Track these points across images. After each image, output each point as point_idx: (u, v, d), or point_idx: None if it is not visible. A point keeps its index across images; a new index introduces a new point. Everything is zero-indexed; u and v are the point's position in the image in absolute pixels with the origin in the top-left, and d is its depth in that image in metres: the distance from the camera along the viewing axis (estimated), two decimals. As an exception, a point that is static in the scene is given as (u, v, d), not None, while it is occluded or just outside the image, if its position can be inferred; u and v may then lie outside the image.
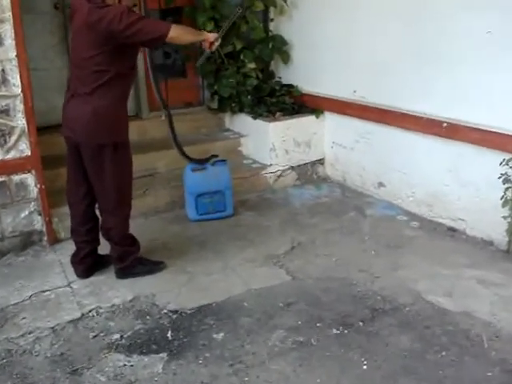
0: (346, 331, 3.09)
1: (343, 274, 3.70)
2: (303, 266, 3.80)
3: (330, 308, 3.31)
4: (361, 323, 3.16)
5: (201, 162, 4.51)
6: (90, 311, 3.38)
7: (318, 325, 3.15)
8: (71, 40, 3.49)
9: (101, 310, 3.38)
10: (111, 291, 3.57)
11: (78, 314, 3.35)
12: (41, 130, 4.79)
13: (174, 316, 3.29)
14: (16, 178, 4.06)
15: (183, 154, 4.43)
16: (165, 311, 3.34)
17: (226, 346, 2.99)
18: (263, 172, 5.22)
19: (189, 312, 3.32)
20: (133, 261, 3.70)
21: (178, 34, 3.31)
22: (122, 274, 3.71)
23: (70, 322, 3.28)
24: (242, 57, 5.47)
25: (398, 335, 3.05)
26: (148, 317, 3.30)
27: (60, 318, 3.31)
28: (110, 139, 3.40)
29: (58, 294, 3.59)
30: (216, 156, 4.59)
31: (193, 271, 3.77)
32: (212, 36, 3.57)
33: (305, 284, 3.59)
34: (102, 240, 3.76)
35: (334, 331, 3.09)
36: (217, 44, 3.57)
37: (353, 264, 3.82)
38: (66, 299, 3.52)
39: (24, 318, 3.33)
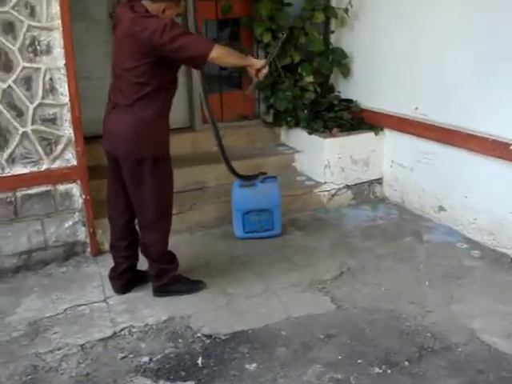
0: (389, 371, 2.84)
1: (392, 305, 3.44)
2: (350, 295, 3.56)
3: (374, 343, 3.06)
4: (406, 363, 2.90)
5: (248, 179, 4.35)
6: (122, 330, 3.27)
7: (359, 361, 2.92)
8: (113, 50, 3.40)
9: (133, 330, 3.26)
10: (146, 309, 3.45)
11: (109, 332, 3.24)
12: (91, 138, 4.79)
13: (208, 341, 3.13)
14: (61, 187, 4.03)
15: (231, 168, 4.28)
16: (198, 335, 3.18)
17: (258, 379, 2.80)
18: (317, 190, 4.99)
19: (223, 338, 3.14)
20: (171, 279, 3.56)
21: (220, 55, 3.17)
22: (160, 291, 3.58)
23: (101, 340, 3.18)
24: (299, 70, 5.28)
25: (447, 379, 2.78)
26: (180, 340, 3.15)
27: (91, 335, 3.22)
28: (149, 153, 3.28)
29: (92, 309, 3.50)
30: (264, 173, 4.43)
31: (233, 293, 3.60)
32: (258, 63, 3.39)
33: (349, 314, 3.35)
34: (141, 256, 3.64)
35: (377, 370, 2.85)
36: (264, 72, 3.37)
37: (403, 295, 3.55)
38: (100, 315, 3.42)
39: (55, 333, 3.26)
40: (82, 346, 3.13)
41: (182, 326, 3.27)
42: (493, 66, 3.94)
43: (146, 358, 3.00)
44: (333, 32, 5.45)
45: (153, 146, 3.28)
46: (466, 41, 4.14)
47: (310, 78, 5.26)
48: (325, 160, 4.95)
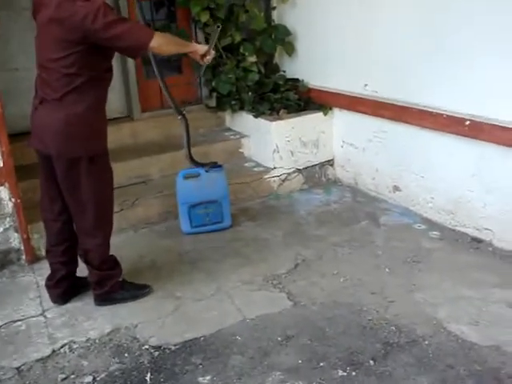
0: (353, 373, 2.64)
1: (352, 297, 3.24)
2: (307, 289, 3.35)
3: (336, 342, 2.85)
4: (371, 362, 2.70)
5: (204, 166, 4.09)
6: (62, 347, 2.97)
7: (321, 364, 2.70)
8: (36, 38, 3.03)
9: (74, 346, 2.98)
10: (88, 322, 3.16)
11: (48, 351, 2.94)
12: (22, 134, 4.44)
13: (156, 353, 2.86)
14: (-13, 191, 3.67)
15: (191, 158, 4.06)
16: (146, 347, 2.92)
17: (213, 394, 2.56)
18: (266, 176, 4.75)
19: (173, 348, 2.89)
20: (113, 285, 3.27)
21: (160, 43, 2.90)
22: (102, 300, 3.29)
23: (39, 360, 2.89)
24: (241, 50, 5.00)
25: (416, 377, 2.59)
26: (126, 354, 2.88)
27: (28, 356, 2.92)
28: (84, 152, 2.97)
29: (29, 324, 3.19)
30: (215, 163, 4.17)
31: (181, 296, 3.34)
32: (201, 48, 3.17)
33: (308, 312, 3.13)
34: (80, 261, 3.34)
35: (340, 373, 2.64)
36: (209, 57, 3.18)
37: (363, 285, 3.36)
38: (38, 331, 3.12)
39: (-13, 356, 2.93)
40: (18, 368, 2.82)
41: (128, 337, 2.99)
42: (443, 39, 3.75)
43: (89, 378, 2.72)
44: (274, 8, 5.18)
45: (87, 143, 2.97)
46: (414, 14, 3.93)
47: (252, 58, 5.00)
48: (273, 144, 4.71)
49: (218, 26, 3.30)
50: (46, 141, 2.97)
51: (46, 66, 2.91)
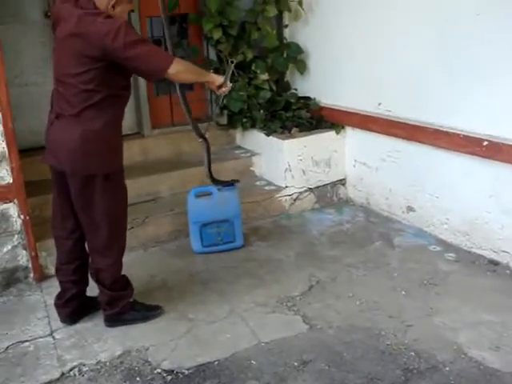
0: (374, 400, 2.55)
1: (369, 321, 3.15)
2: (322, 312, 3.26)
3: (355, 368, 2.76)
4: (392, 389, 2.62)
5: (223, 184, 4.05)
6: (71, 369, 2.89)
7: (339, 391, 2.62)
8: (54, 51, 2.99)
9: (84, 368, 2.89)
10: (98, 343, 3.08)
11: (57, 374, 2.86)
12: (32, 150, 4.41)
13: (169, 377, 2.78)
14: (-4, 208, 3.60)
15: (213, 178, 4.01)
16: (158, 370, 2.83)
17: (228, 421, 2.48)
18: (278, 195, 4.69)
19: (186, 372, 2.80)
20: (124, 306, 3.19)
21: (178, 71, 2.84)
22: (112, 321, 3.21)
23: (48, 383, 2.80)
24: (253, 67, 4.96)
25: (438, 405, 2.51)
26: (138, 378, 2.79)
27: (36, 378, 2.84)
28: (100, 169, 2.91)
29: (37, 345, 3.10)
30: (237, 181, 4.13)
31: (194, 318, 3.25)
32: (218, 79, 3.12)
33: (324, 336, 3.04)
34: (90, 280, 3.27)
35: (360, 400, 2.56)
36: (225, 89, 3.14)
37: (380, 308, 3.27)
38: (47, 353, 3.03)
39: (-5, 378, 2.85)
40: (26, 392, 2.75)
41: (140, 360, 2.91)
42: (460, 57, 3.70)
43: (99, 403, 2.65)
44: (286, 26, 5.15)
45: (103, 160, 2.92)
46: (429, 31, 3.89)
47: (264, 76, 4.96)
48: (285, 163, 4.65)
49: (232, 62, 3.25)
50: (61, 157, 2.92)
51: (64, 81, 2.86)
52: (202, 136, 3.90)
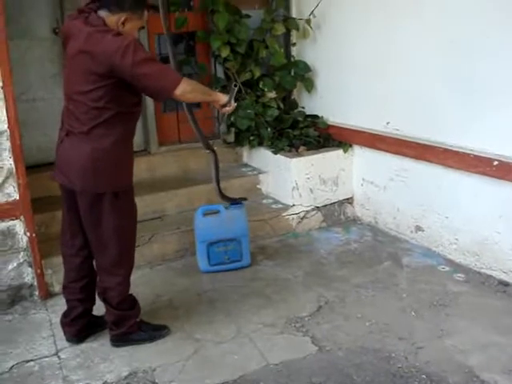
0: (385, 425, 2.50)
1: (379, 343, 3.10)
2: (331, 333, 3.22)
3: (365, 392, 2.72)
4: (404, 414, 2.57)
5: (233, 201, 4.04)
6: (77, 390, 2.84)
7: (351, 415, 2.57)
8: (64, 69, 2.99)
9: (90, 390, 2.84)
10: (104, 364, 3.03)
11: (62, 395, 2.81)
12: (39, 166, 4.40)
13: (177, 399, 2.73)
14: (2, 224, 3.57)
15: (222, 194, 4.00)
16: (165, 392, 2.79)
17: None
18: (285, 213, 4.65)
19: (194, 394, 2.76)
20: (131, 326, 3.15)
21: (185, 91, 2.81)
22: (118, 341, 3.17)
23: (53, 405, 2.76)
24: (260, 85, 4.95)
25: (452, 431, 2.46)
26: (145, 400, 2.75)
27: (41, 400, 2.79)
28: (109, 187, 2.89)
29: (42, 365, 3.06)
30: (245, 199, 4.11)
31: (201, 339, 3.21)
32: (223, 98, 3.09)
33: (334, 357, 2.99)
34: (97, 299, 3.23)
35: (371, 425, 2.51)
36: (229, 108, 3.12)
37: (390, 330, 3.23)
38: (52, 373, 2.99)
39: (-1, 398, 2.81)
40: (30, 415, 2.70)
41: (146, 382, 2.86)
42: (470, 76, 3.68)
43: (105, 425, 2.60)
44: (294, 44, 5.15)
45: (113, 178, 2.90)
46: (438, 50, 3.87)
47: (272, 94, 4.94)
48: (292, 181, 4.63)
49: (236, 85, 3.23)
50: (71, 175, 2.90)
51: (74, 98, 2.84)
52: (209, 148, 3.85)
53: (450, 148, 3.85)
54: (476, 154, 3.68)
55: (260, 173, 5.01)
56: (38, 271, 3.70)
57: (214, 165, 3.90)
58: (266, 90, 4.94)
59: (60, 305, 3.50)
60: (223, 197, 4.00)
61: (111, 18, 2.79)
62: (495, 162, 3.55)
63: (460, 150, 3.78)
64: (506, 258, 3.68)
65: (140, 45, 2.80)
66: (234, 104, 3.15)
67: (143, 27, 2.99)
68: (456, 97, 3.80)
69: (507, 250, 3.67)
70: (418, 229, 4.32)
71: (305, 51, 5.11)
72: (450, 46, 3.77)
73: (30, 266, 3.69)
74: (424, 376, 2.81)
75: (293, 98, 5.27)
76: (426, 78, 4.00)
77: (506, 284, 3.68)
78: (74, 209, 3.00)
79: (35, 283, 3.73)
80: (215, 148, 3.98)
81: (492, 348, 3.02)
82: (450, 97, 3.85)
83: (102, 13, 2.80)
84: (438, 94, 3.93)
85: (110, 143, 2.83)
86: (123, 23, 2.81)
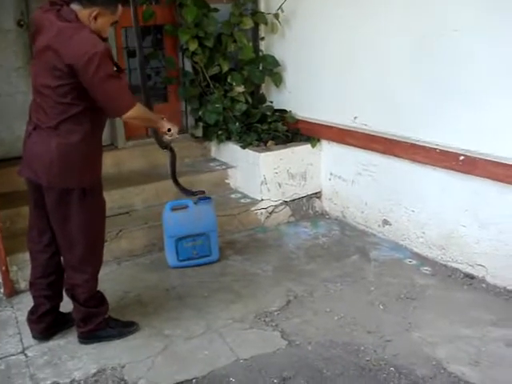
0: (355, 419, 2.52)
1: (348, 336, 3.13)
2: (301, 327, 3.23)
3: (335, 385, 2.74)
4: (373, 407, 2.59)
5: (192, 194, 3.99)
6: (44, 390, 2.79)
7: (320, 409, 2.58)
8: (32, 63, 2.92)
9: (57, 388, 2.80)
10: (72, 361, 2.99)
11: (29, 394, 2.76)
12: (3, 161, 4.32)
13: (145, 397, 2.71)
14: (-36, 222, 3.50)
15: (178, 185, 3.97)
16: (134, 389, 2.76)
17: None
18: (253, 208, 4.65)
19: (163, 391, 2.74)
20: (99, 323, 3.12)
21: (134, 116, 2.85)
22: (86, 338, 3.13)
23: (19, 405, 2.71)
24: (229, 79, 4.93)
25: (420, 424, 2.49)
26: (113, 398, 2.72)
27: (7, 399, 2.74)
28: (76, 183, 2.84)
29: (9, 363, 3.01)
30: (203, 192, 4.05)
31: (170, 334, 3.19)
32: (165, 126, 3.19)
33: (303, 352, 3.00)
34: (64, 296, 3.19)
35: (341, 420, 2.52)
36: (170, 138, 3.28)
37: (359, 323, 3.25)
38: (18, 371, 2.94)
39: (-39, 400, 2.76)
40: (-6, 415, 2.66)
41: (115, 379, 2.83)
42: (437, 72, 3.73)
43: (73, 423, 2.57)
44: (263, 39, 5.13)
45: (80, 174, 2.85)
46: (407, 46, 3.90)
47: (240, 88, 4.92)
48: (261, 175, 4.62)
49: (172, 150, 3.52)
50: (37, 170, 2.84)
51: (41, 92, 2.78)
52: (165, 147, 3.76)
53: (417, 143, 3.89)
54: (442, 148, 3.72)
55: (228, 167, 5.00)
56: (3, 268, 3.63)
57: (170, 161, 3.83)
58: (234, 84, 4.92)
59: (26, 302, 3.44)
60: (182, 189, 3.97)
61: (83, 12, 2.72)
62: (461, 157, 3.60)
63: (427, 145, 3.82)
64: (472, 251, 3.74)
65: (108, 57, 2.71)
66: (175, 135, 3.28)
67: (116, 22, 2.93)
68: (423, 92, 3.84)
69: (473, 244, 3.73)
70: (386, 223, 4.36)
71: (273, 46, 5.10)
72: (419, 41, 3.80)
73: (-5, 263, 3.63)
74: (392, 369, 2.85)
75: (261, 92, 5.26)
76: (394, 73, 4.04)
77: (471, 277, 3.74)
78: (41, 204, 2.95)
79: (0, 280, 3.65)
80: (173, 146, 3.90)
81: (459, 340, 3.07)
82: (417, 92, 3.88)
83: (75, 6, 2.73)
84: (405, 89, 3.97)
85: (78, 139, 2.79)
86: (95, 18, 2.73)
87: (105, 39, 2.83)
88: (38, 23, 2.81)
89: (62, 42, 2.64)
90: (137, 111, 2.85)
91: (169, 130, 3.20)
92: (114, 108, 2.81)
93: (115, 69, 2.78)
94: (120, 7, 2.82)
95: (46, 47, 2.69)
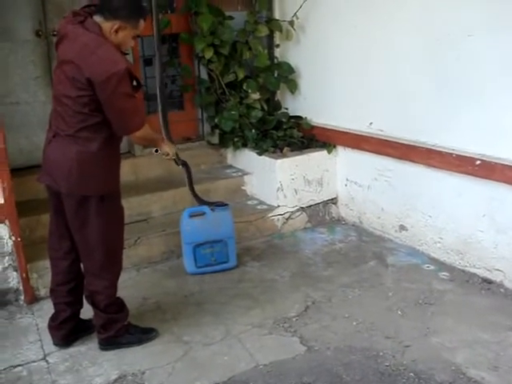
0: (375, 423, 2.53)
1: (367, 342, 3.13)
2: (319, 333, 3.24)
3: (354, 391, 2.74)
4: (393, 412, 2.60)
5: (210, 204, 4.03)
6: (66, 395, 2.83)
7: (341, 415, 2.59)
8: (54, 70, 2.96)
9: (79, 394, 2.83)
10: (93, 367, 3.03)
11: (51, 399, 2.80)
12: (22, 170, 4.36)
13: (167, 402, 2.73)
14: (-13, 229, 3.55)
15: (197, 196, 4.02)
16: (155, 395, 2.79)
17: None
18: (270, 214, 4.67)
19: (184, 397, 2.76)
20: (119, 329, 3.15)
21: (139, 136, 2.97)
22: (106, 344, 3.16)
23: (42, 409, 2.74)
24: (244, 87, 4.96)
25: (440, 428, 2.49)
26: (135, 403, 2.74)
27: (30, 405, 2.77)
28: (95, 190, 2.88)
29: (30, 370, 3.04)
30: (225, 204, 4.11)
31: (189, 341, 3.21)
32: (164, 148, 3.32)
33: (322, 357, 3.02)
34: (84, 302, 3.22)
35: (361, 424, 2.53)
36: (167, 157, 3.38)
37: (377, 329, 3.26)
38: (40, 377, 2.98)
39: (-14, 406, 2.79)
40: (18, 421, 2.69)
41: (136, 385, 2.87)
42: (453, 76, 3.73)
43: (95, 430, 2.59)
44: (278, 46, 5.16)
45: (99, 181, 2.89)
46: (422, 51, 3.92)
47: (256, 95, 4.95)
48: (277, 182, 4.64)
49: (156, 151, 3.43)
50: (57, 177, 2.89)
51: (62, 101, 2.83)
52: (181, 164, 3.77)
53: (433, 148, 3.90)
54: (458, 153, 3.73)
55: (244, 174, 5.02)
56: (24, 275, 3.68)
57: (186, 176, 3.88)
58: (249, 91, 4.95)
59: (46, 309, 3.49)
60: (201, 201, 4.01)
61: (106, 24, 2.77)
62: (478, 162, 3.60)
63: (443, 150, 3.83)
64: (490, 256, 3.73)
65: (129, 76, 2.75)
66: (172, 157, 3.40)
67: (139, 36, 2.97)
68: (438, 97, 3.84)
69: (490, 248, 3.72)
70: (402, 228, 4.36)
71: (288, 53, 5.13)
72: (433, 45, 3.81)
73: (16, 271, 3.67)
74: (412, 374, 2.85)
75: (276, 99, 5.29)
76: (409, 78, 4.04)
77: (489, 282, 3.73)
78: (61, 211, 2.99)
79: (21, 288, 3.70)
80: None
81: (478, 345, 3.07)
82: (432, 97, 3.89)
83: (97, 18, 2.78)
84: (421, 94, 3.97)
85: (96, 147, 2.83)
86: (116, 31, 2.78)
87: (126, 53, 2.88)
88: (63, 33, 2.85)
89: (85, 57, 2.69)
90: (143, 132, 2.93)
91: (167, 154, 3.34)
92: (126, 126, 2.87)
93: (134, 83, 2.82)
94: (142, 22, 2.86)
95: (68, 60, 2.74)
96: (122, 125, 2.85)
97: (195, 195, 3.99)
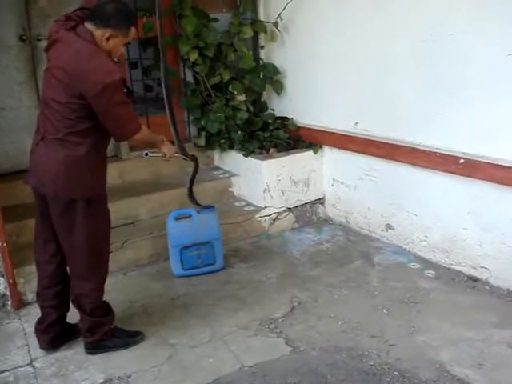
0: (359, 424, 2.54)
1: (352, 341, 3.15)
2: (305, 333, 3.25)
3: (339, 390, 2.76)
4: (377, 411, 2.61)
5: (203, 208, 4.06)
6: (52, 400, 2.83)
7: (325, 415, 2.61)
8: (44, 74, 2.93)
9: (65, 398, 2.84)
10: (79, 372, 3.03)
11: (37, 404, 2.80)
12: (9, 175, 4.36)
13: (152, 405, 2.74)
14: (-28, 235, 3.54)
15: (192, 197, 4.04)
16: (141, 398, 2.79)
17: None
18: (257, 215, 4.69)
19: (169, 399, 2.77)
20: (105, 333, 3.15)
21: (139, 139, 2.97)
22: (93, 348, 3.16)
23: (27, 416, 2.74)
24: (230, 88, 4.98)
25: (424, 427, 2.50)
26: (121, 406, 2.75)
27: (15, 411, 2.77)
28: (81, 194, 2.89)
29: (17, 375, 3.04)
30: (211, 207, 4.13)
31: (175, 343, 3.22)
32: (163, 148, 3.27)
33: (307, 357, 3.03)
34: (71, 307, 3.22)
35: (345, 424, 2.54)
36: (165, 158, 3.34)
37: (362, 328, 3.27)
38: (27, 382, 2.98)
39: (-29, 413, 2.80)
40: (4, 428, 2.69)
41: (122, 389, 2.87)
42: (436, 77, 3.75)
43: None
44: (262, 47, 5.18)
45: (85, 185, 2.90)
46: (406, 51, 3.94)
47: (241, 97, 4.97)
48: (264, 183, 4.66)
49: (146, 154, 3.42)
50: (44, 180, 2.89)
51: (50, 105, 2.82)
52: (191, 158, 3.89)
53: (418, 147, 3.92)
54: (442, 152, 3.75)
55: (232, 176, 5.04)
56: (11, 281, 3.67)
57: (192, 171, 3.96)
58: (235, 93, 4.97)
59: (33, 314, 3.48)
60: (192, 200, 4.03)
61: (97, 32, 2.78)
62: (461, 160, 3.62)
63: (427, 149, 3.85)
64: (475, 253, 3.76)
65: (123, 85, 2.77)
66: (171, 157, 3.35)
67: (129, 43, 2.99)
68: (422, 97, 3.87)
69: (475, 246, 3.74)
70: (389, 227, 4.38)
71: (273, 54, 5.15)
72: (418, 46, 3.83)
73: (2, 276, 3.66)
74: (396, 373, 2.86)
75: (262, 100, 5.31)
76: (393, 79, 4.07)
77: (475, 279, 3.75)
78: (47, 215, 3.00)
79: (8, 293, 3.69)
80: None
81: (462, 343, 3.08)
82: (416, 97, 3.91)
83: (89, 25, 2.79)
84: (405, 94, 4.00)
85: (83, 151, 2.83)
86: (107, 39, 2.79)
87: (116, 62, 2.89)
88: (55, 37, 2.83)
89: (77, 66, 2.69)
90: (141, 135, 2.94)
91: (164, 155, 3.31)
92: (122, 132, 2.90)
93: (125, 90, 2.82)
94: (133, 29, 2.87)
95: (60, 67, 2.74)
96: (121, 131, 2.88)
97: (191, 193, 4.01)
